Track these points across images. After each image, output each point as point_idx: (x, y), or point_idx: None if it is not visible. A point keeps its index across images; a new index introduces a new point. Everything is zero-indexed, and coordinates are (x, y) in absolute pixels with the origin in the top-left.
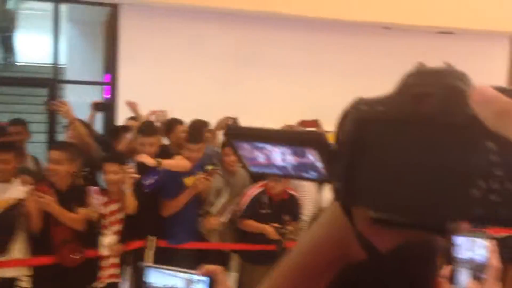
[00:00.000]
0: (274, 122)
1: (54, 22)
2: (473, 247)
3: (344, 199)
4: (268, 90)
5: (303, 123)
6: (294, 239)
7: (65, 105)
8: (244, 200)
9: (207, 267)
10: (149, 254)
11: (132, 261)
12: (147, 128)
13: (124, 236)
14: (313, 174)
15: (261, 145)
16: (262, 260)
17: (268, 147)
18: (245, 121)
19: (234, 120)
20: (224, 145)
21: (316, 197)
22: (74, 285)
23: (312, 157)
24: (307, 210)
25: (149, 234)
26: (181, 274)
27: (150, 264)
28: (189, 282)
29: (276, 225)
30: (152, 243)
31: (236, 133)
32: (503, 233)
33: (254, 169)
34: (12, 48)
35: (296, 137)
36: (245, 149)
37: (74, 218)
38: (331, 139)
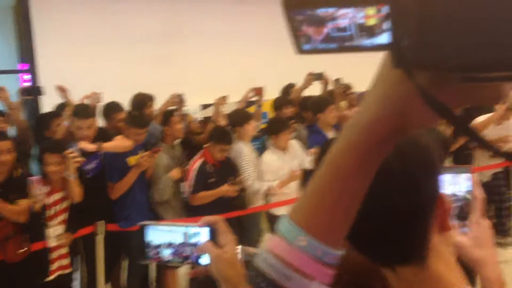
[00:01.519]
0: (211, 95)
1: None
2: (457, 182)
3: (417, 57)
4: (199, 62)
5: (255, 90)
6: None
7: (4, 92)
8: (189, 176)
9: (206, 218)
10: (100, 239)
11: (84, 249)
12: (82, 110)
13: (72, 224)
14: (376, 40)
15: (323, 11)
16: None
17: (331, 12)
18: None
19: (180, 96)
20: (166, 122)
21: (255, 161)
22: (22, 281)
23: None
24: (247, 174)
25: (97, 219)
26: (179, 229)
27: (148, 222)
28: (188, 235)
29: (229, 183)
30: (101, 228)
31: (294, 0)
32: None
33: (306, 47)
34: None
35: None
36: (301, 21)
37: (16, 210)
38: (268, 107)
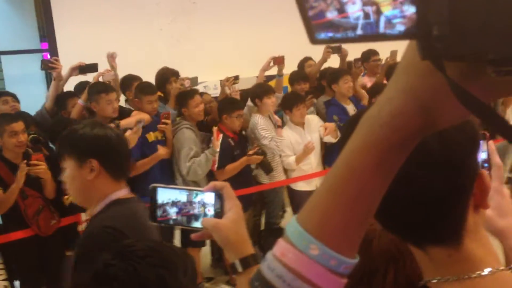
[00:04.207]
0: (230, 70)
1: None
2: None
3: (450, 48)
4: (215, 38)
5: (275, 59)
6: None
7: (59, 63)
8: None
9: (213, 183)
10: None
11: None
12: (105, 86)
13: None
14: (398, 28)
15: None
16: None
17: None
18: (200, 74)
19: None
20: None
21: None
22: (54, 253)
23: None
24: (263, 137)
25: None
26: (185, 191)
27: (159, 184)
28: (192, 194)
29: (253, 150)
30: None
31: None
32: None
33: (321, 36)
34: None
35: None
36: (316, 7)
37: (54, 186)
38: (286, 81)
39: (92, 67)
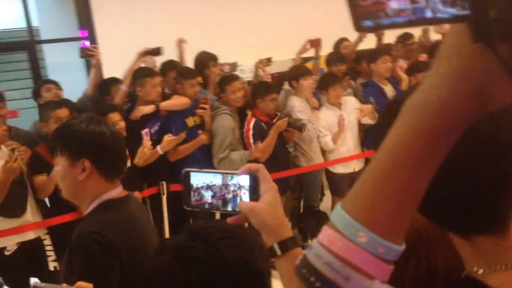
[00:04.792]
0: (267, 53)
1: None
2: None
3: (505, 30)
4: (249, 21)
5: (311, 42)
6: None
7: (98, 50)
8: (248, 138)
9: (248, 165)
10: (164, 199)
11: (151, 209)
12: (150, 71)
13: (137, 184)
14: (450, 12)
15: None
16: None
17: None
18: (235, 58)
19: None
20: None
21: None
22: None
23: None
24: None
25: (162, 180)
26: (220, 175)
27: (192, 169)
28: (227, 177)
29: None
30: (164, 188)
31: None
32: None
33: (368, 24)
34: None
35: None
36: None
37: None
38: (323, 63)
39: (156, 51)
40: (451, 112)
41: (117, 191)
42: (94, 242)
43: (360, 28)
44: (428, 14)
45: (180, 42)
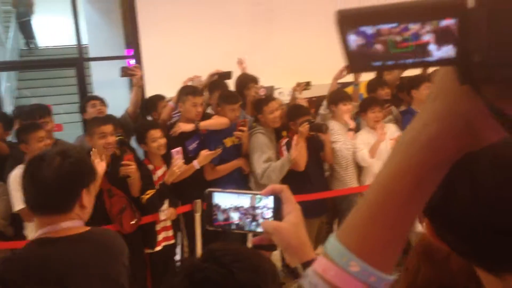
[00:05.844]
0: (306, 76)
1: (72, 2)
2: None
3: (490, 74)
4: (291, 45)
5: (347, 68)
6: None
7: (139, 70)
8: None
9: (272, 186)
10: (197, 217)
11: (185, 226)
12: (193, 89)
13: (173, 200)
14: (437, 56)
15: (384, 26)
16: (314, 213)
17: (393, 27)
18: (276, 81)
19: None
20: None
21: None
22: (133, 251)
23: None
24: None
25: (196, 197)
26: (246, 195)
27: (215, 189)
28: (255, 199)
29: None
30: (198, 206)
31: (351, 16)
32: None
33: (375, 64)
34: (31, 33)
35: (433, 7)
36: (359, 40)
37: (139, 186)
38: (363, 89)
39: (227, 75)
40: (440, 148)
41: (56, 228)
42: None
43: (353, 69)
44: (419, 57)
45: (240, 63)
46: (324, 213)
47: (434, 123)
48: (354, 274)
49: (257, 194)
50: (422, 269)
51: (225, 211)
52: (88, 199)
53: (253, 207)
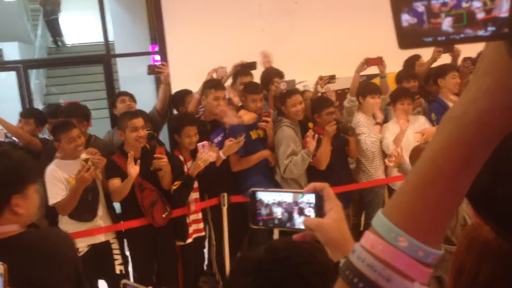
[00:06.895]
0: (330, 69)
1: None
2: None
3: None
4: (316, 38)
5: (368, 61)
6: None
7: (167, 67)
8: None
9: (313, 184)
10: (224, 210)
11: (211, 219)
12: (216, 83)
13: (200, 193)
14: (490, 30)
15: (436, 1)
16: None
17: (445, 2)
18: (301, 74)
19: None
20: (282, 103)
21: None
22: (165, 243)
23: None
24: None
25: (223, 191)
26: (288, 193)
27: (258, 189)
28: (297, 197)
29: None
30: (224, 200)
31: None
32: None
33: (427, 39)
34: (59, 30)
35: None
36: (411, 19)
37: (171, 178)
38: (390, 81)
39: (252, 65)
40: (489, 122)
41: None
42: None
43: (403, 45)
44: (469, 32)
45: (265, 57)
46: (349, 205)
47: (483, 97)
48: (403, 248)
49: (299, 192)
50: (482, 271)
51: (268, 206)
52: (25, 203)
53: (296, 202)
